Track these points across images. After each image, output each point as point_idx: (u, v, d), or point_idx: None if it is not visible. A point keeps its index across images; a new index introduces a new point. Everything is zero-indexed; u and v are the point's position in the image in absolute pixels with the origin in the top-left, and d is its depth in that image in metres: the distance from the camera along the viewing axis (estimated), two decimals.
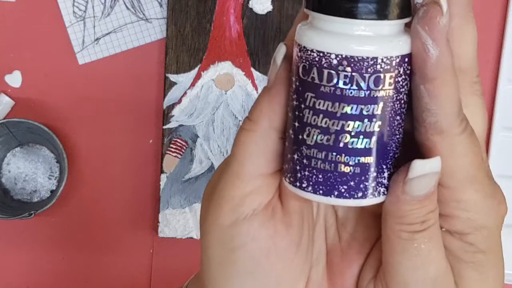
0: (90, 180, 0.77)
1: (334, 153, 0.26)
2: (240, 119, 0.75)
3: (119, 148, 0.77)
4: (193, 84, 0.75)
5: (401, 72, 0.26)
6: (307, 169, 0.27)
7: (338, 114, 0.26)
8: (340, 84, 0.25)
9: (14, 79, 0.77)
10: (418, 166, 0.26)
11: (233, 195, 0.28)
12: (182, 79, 0.75)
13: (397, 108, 0.26)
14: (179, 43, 0.75)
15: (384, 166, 0.27)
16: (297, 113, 0.27)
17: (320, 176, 0.27)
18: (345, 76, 0.25)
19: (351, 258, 0.31)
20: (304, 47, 0.26)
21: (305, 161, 0.27)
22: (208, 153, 0.75)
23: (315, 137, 0.26)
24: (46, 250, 0.77)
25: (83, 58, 0.77)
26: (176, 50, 0.75)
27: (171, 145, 0.75)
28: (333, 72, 0.25)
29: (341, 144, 0.26)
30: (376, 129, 0.26)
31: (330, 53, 0.25)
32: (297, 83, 0.27)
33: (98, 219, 0.77)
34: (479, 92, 0.28)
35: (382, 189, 0.27)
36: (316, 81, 0.26)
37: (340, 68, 0.25)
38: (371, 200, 0.27)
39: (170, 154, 0.75)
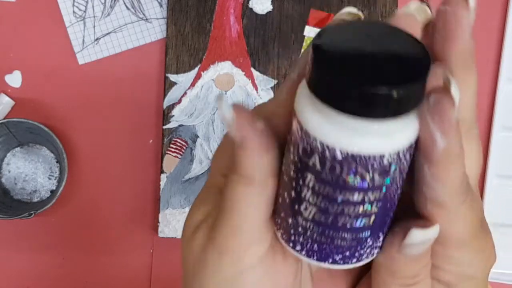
0: (90, 180, 0.77)
1: (332, 231, 0.25)
2: None
3: (119, 148, 0.77)
4: (193, 84, 0.75)
5: (407, 157, 0.24)
6: (302, 236, 0.26)
7: (339, 200, 0.24)
8: (343, 176, 0.24)
9: (14, 79, 0.77)
10: (417, 235, 0.25)
11: (235, 248, 0.27)
12: (182, 79, 0.75)
13: (399, 185, 0.25)
14: (179, 43, 0.75)
15: (381, 233, 0.26)
16: (294, 184, 0.25)
17: (316, 246, 0.26)
18: (349, 170, 0.23)
19: None
20: (306, 130, 0.24)
21: (300, 229, 0.26)
22: (208, 153, 0.75)
23: (312, 213, 0.25)
24: (46, 250, 0.77)
25: (83, 58, 0.77)
26: (176, 50, 0.75)
27: (171, 145, 0.75)
28: (337, 165, 0.23)
29: (340, 224, 0.25)
30: (375, 210, 0.25)
31: (335, 148, 0.23)
32: (296, 159, 0.25)
33: (98, 219, 0.77)
34: (475, 136, 0.28)
35: (376, 251, 0.27)
36: (318, 168, 0.24)
37: (345, 163, 0.23)
38: (364, 262, 0.27)
39: (170, 154, 0.75)
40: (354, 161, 0.23)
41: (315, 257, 0.26)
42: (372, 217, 0.25)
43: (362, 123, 0.23)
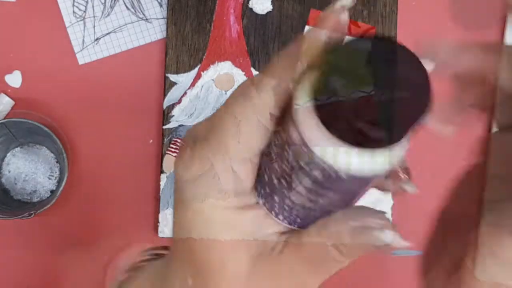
0: (90, 180, 0.77)
1: (317, 213, 0.28)
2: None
3: (119, 148, 0.77)
4: (193, 84, 0.75)
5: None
6: (287, 212, 0.28)
7: (330, 195, 0.27)
8: (338, 183, 0.26)
9: (14, 79, 0.77)
10: None
11: None
12: (182, 79, 0.75)
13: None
14: (179, 43, 0.75)
15: None
16: (287, 178, 0.27)
17: (298, 219, 0.28)
18: (343, 182, 0.26)
19: None
20: (306, 143, 0.25)
21: (286, 207, 0.28)
22: None
23: (301, 201, 0.27)
24: (46, 250, 0.77)
25: (83, 58, 0.77)
26: (176, 50, 0.75)
27: (171, 145, 0.75)
28: (332, 174, 0.25)
29: (326, 209, 0.27)
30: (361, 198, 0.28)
31: (333, 166, 0.25)
32: (292, 161, 0.26)
33: (98, 219, 0.77)
34: None
35: None
36: (315, 176, 0.26)
37: (340, 177, 0.25)
38: None
39: (170, 154, 0.75)
40: (350, 177, 0.25)
41: (296, 226, 0.29)
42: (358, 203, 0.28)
43: (358, 151, 0.24)
